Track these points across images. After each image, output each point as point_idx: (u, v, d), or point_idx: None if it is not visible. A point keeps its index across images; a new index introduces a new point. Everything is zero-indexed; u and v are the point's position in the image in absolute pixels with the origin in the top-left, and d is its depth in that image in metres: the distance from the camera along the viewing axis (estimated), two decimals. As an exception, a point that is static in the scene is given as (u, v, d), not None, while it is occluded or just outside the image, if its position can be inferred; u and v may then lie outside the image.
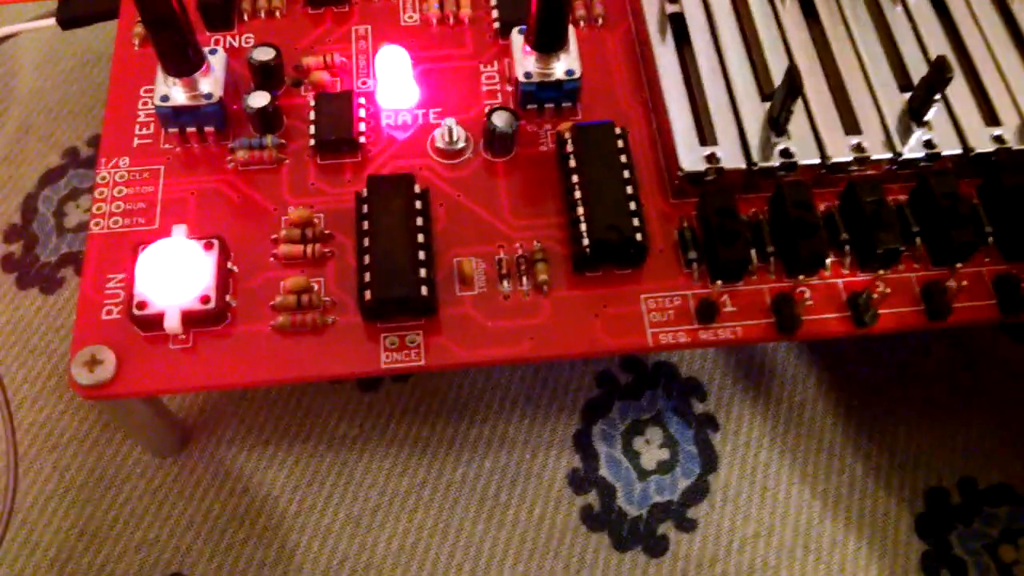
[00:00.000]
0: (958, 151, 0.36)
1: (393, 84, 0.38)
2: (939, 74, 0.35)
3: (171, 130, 0.38)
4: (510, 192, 0.37)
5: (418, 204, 0.35)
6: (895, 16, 0.40)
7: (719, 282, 0.34)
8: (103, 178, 0.37)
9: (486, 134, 0.37)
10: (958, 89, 0.37)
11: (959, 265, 0.35)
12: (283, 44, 0.40)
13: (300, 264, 0.35)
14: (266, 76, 0.38)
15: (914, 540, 0.39)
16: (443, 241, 0.36)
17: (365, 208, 0.34)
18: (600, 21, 0.41)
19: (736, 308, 0.35)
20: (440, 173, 0.37)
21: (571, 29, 0.38)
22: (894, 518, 0.39)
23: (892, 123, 0.37)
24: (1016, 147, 0.36)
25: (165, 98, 0.37)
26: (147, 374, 0.33)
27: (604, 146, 0.36)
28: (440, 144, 0.38)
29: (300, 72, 0.39)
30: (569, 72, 0.37)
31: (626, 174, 0.35)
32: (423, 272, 0.33)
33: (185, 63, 0.36)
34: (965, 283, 0.35)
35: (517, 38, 0.38)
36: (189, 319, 0.34)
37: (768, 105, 0.37)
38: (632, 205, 0.35)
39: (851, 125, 0.37)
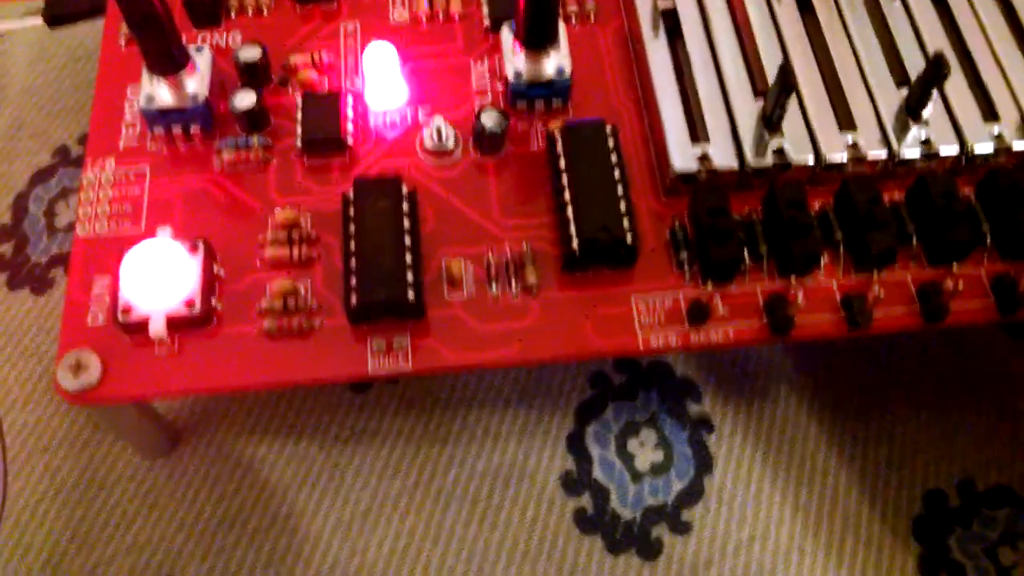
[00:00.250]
0: (955, 149, 0.36)
1: (381, 82, 0.38)
2: (936, 71, 0.34)
3: (157, 130, 0.37)
4: (500, 192, 0.37)
5: (405, 206, 0.34)
6: (892, 9, 0.39)
7: (710, 284, 0.34)
8: (89, 180, 0.37)
9: (475, 133, 0.37)
10: (956, 85, 0.37)
11: (956, 265, 0.35)
12: (270, 41, 0.39)
13: (287, 266, 0.35)
14: (252, 75, 0.38)
15: (912, 543, 0.38)
16: (431, 242, 0.35)
17: (351, 211, 0.34)
18: (592, 17, 0.40)
19: (728, 309, 0.34)
20: (429, 173, 0.37)
21: (562, 25, 0.37)
22: (891, 521, 0.39)
23: (888, 120, 0.36)
24: (1015, 145, 0.36)
25: (150, 99, 0.36)
26: (133, 379, 0.33)
27: (594, 145, 0.35)
28: (429, 143, 0.37)
29: (287, 70, 0.39)
30: (559, 70, 0.37)
31: (617, 173, 0.35)
32: (410, 276, 0.33)
33: (170, 62, 0.36)
34: (961, 286, 0.34)
35: (507, 35, 0.37)
36: (174, 323, 0.33)
37: (762, 102, 0.36)
38: (622, 205, 0.34)
39: (846, 122, 0.36)
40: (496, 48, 0.39)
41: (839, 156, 0.35)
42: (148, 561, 0.38)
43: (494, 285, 0.35)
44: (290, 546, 0.38)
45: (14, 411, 0.41)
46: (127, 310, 0.33)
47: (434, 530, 0.38)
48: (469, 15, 0.40)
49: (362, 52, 0.39)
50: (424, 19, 0.40)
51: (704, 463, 0.40)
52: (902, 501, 0.39)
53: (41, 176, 0.47)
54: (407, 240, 0.34)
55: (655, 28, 0.38)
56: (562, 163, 0.35)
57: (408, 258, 0.33)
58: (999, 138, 0.36)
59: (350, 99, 0.38)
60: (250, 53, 0.38)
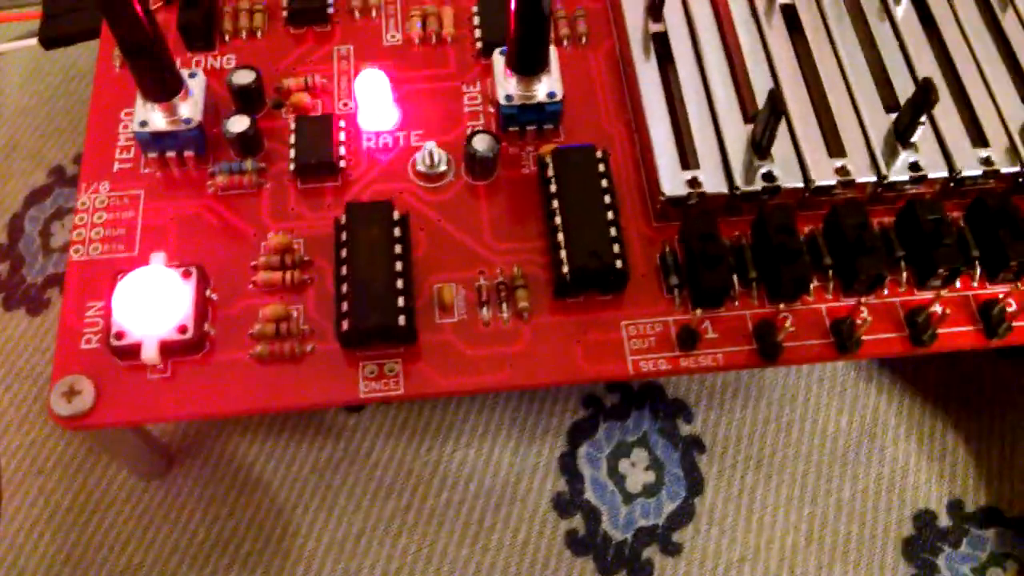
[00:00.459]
0: (944, 173, 0.36)
1: (373, 107, 0.38)
2: (924, 96, 0.34)
3: (151, 155, 0.37)
4: (492, 216, 0.37)
5: (397, 231, 0.35)
6: (882, 33, 0.39)
7: (699, 310, 0.34)
8: (83, 204, 0.37)
9: (467, 158, 0.37)
10: (945, 109, 0.37)
11: (944, 290, 0.35)
12: (264, 65, 0.40)
13: (279, 291, 0.35)
14: (246, 99, 0.38)
15: (901, 564, 0.39)
16: (423, 267, 0.36)
17: (343, 235, 0.34)
18: (584, 40, 0.40)
19: (718, 334, 0.34)
20: (421, 197, 0.37)
21: (553, 50, 0.38)
22: (881, 541, 0.39)
23: (877, 145, 0.36)
24: (1004, 169, 0.36)
25: (144, 123, 0.36)
26: (126, 404, 0.33)
27: (585, 170, 0.36)
28: (421, 167, 0.37)
29: (281, 94, 0.39)
30: (551, 94, 0.37)
31: (607, 199, 0.35)
32: (401, 301, 0.33)
33: (163, 88, 0.36)
34: (948, 311, 0.34)
35: (498, 60, 0.38)
36: (167, 349, 0.33)
37: (751, 127, 0.37)
38: (613, 231, 0.34)
39: (836, 147, 0.36)
40: (488, 71, 0.39)
41: (828, 181, 0.35)
42: (142, 583, 0.38)
43: (485, 310, 0.35)
44: (283, 568, 0.38)
45: (9, 433, 0.41)
46: (120, 335, 0.33)
47: (426, 552, 0.38)
48: (461, 38, 0.41)
49: (355, 75, 0.40)
50: (417, 41, 0.41)
51: (695, 484, 0.40)
52: (892, 522, 0.39)
53: (36, 196, 0.47)
54: (398, 265, 0.34)
55: (646, 52, 0.39)
56: (553, 188, 0.35)
57: (399, 283, 0.34)
58: (988, 162, 0.36)
59: (343, 123, 0.38)
60: (243, 77, 0.38)
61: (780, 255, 0.34)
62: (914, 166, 0.36)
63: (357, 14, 0.41)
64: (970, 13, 0.40)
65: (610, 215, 0.35)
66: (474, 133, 0.37)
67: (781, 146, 0.36)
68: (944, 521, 0.39)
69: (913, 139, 0.36)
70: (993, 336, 0.35)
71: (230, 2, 0.41)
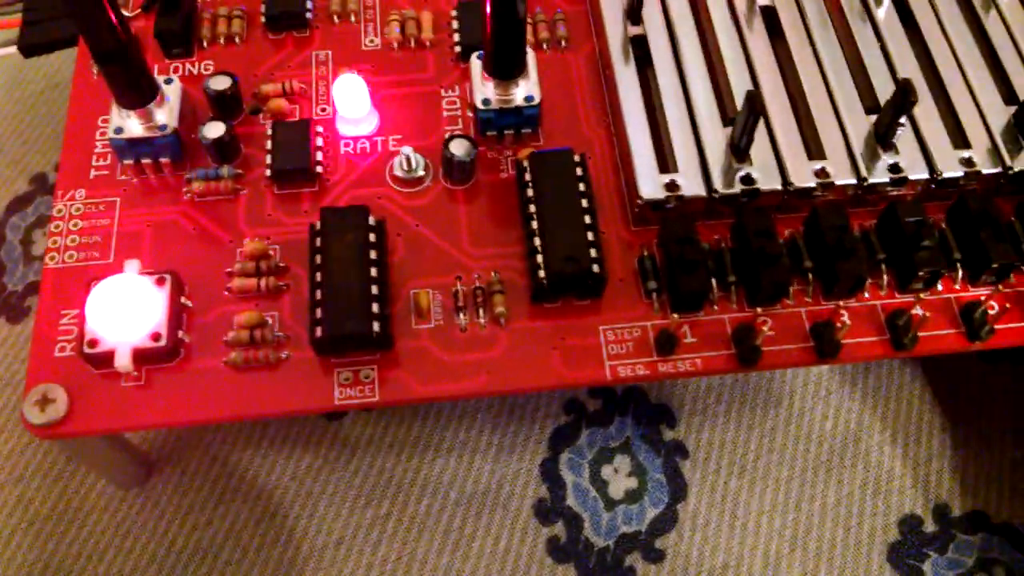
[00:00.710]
0: (925, 175, 0.35)
1: (351, 112, 0.38)
2: (904, 98, 0.34)
3: (127, 161, 0.37)
4: (470, 220, 0.37)
5: (373, 236, 0.34)
6: (863, 34, 0.39)
7: (676, 315, 0.34)
8: (59, 211, 0.37)
9: (445, 162, 0.37)
10: (926, 110, 0.37)
11: (926, 293, 0.35)
12: (242, 70, 0.39)
13: (254, 298, 0.35)
14: (223, 105, 0.38)
15: (887, 570, 0.38)
16: (400, 272, 0.35)
17: (318, 241, 0.34)
18: (564, 43, 0.40)
19: (697, 339, 0.34)
20: (398, 202, 0.37)
21: (531, 53, 0.37)
22: (866, 547, 0.38)
23: (857, 147, 0.36)
24: (985, 170, 0.35)
25: (119, 130, 0.36)
26: (100, 412, 0.33)
27: (562, 174, 0.35)
28: (398, 172, 0.37)
29: (258, 99, 0.39)
30: (528, 98, 0.37)
31: (584, 203, 0.35)
32: (376, 308, 0.33)
33: (138, 95, 0.36)
34: (929, 314, 0.34)
35: (476, 63, 0.37)
36: (141, 356, 0.33)
37: (730, 130, 0.36)
38: (590, 235, 0.34)
39: (815, 149, 0.36)
40: (467, 75, 0.39)
41: (807, 183, 0.35)
42: (121, 592, 0.38)
43: (462, 315, 0.35)
44: (263, 576, 0.38)
45: (-12, 441, 0.41)
46: (94, 343, 0.33)
47: (406, 560, 0.38)
48: (440, 42, 0.40)
49: (334, 80, 0.40)
50: (396, 45, 0.40)
51: (678, 490, 0.40)
52: (877, 527, 0.39)
53: (18, 204, 0.47)
54: (374, 271, 0.33)
55: (625, 55, 0.38)
56: (530, 193, 0.35)
57: (374, 289, 0.33)
58: (969, 163, 0.36)
59: (320, 128, 0.38)
60: (220, 83, 0.38)
61: (759, 259, 0.34)
62: (894, 168, 0.35)
63: (336, 19, 0.41)
64: (952, 13, 0.40)
65: (588, 219, 0.34)
66: (451, 137, 0.37)
67: (760, 149, 0.36)
68: (930, 526, 0.39)
69: (893, 140, 0.36)
70: (975, 339, 0.34)
71: (208, 8, 0.41)
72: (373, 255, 0.34)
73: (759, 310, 0.34)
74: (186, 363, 0.34)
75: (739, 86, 0.37)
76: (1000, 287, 0.35)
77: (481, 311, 0.35)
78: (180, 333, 0.34)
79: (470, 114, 0.38)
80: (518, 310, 0.35)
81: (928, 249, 0.34)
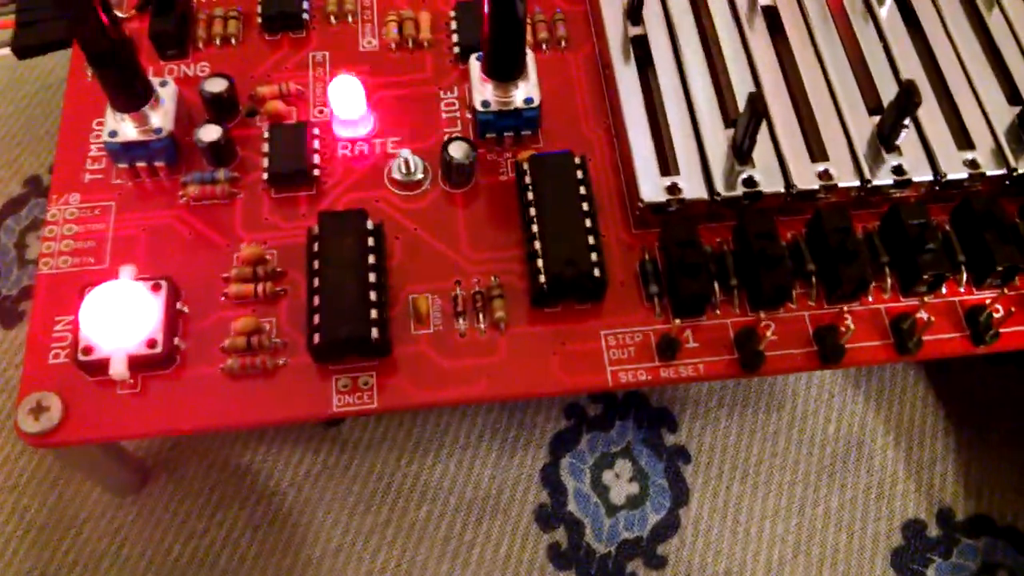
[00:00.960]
0: (929, 177, 0.35)
1: (347, 113, 0.37)
2: (907, 99, 0.34)
3: (121, 165, 0.37)
4: (469, 224, 0.36)
5: (371, 241, 0.34)
6: (866, 34, 0.38)
7: (678, 320, 0.33)
8: (53, 216, 0.36)
9: (443, 165, 0.36)
10: (930, 111, 0.36)
11: (930, 296, 0.34)
12: (238, 72, 0.39)
13: (251, 303, 0.34)
14: (219, 107, 0.38)
15: (890, 575, 0.38)
16: (399, 276, 0.35)
17: (316, 246, 0.34)
18: (563, 44, 0.40)
19: (699, 344, 0.34)
20: (397, 205, 0.36)
21: (530, 54, 0.37)
22: (869, 552, 0.38)
23: (860, 148, 0.35)
24: (989, 172, 0.35)
25: (114, 133, 0.36)
26: (94, 421, 0.33)
27: (562, 177, 0.35)
28: (397, 175, 0.37)
29: (255, 101, 0.39)
30: (528, 100, 0.36)
31: (585, 206, 0.34)
32: (375, 313, 0.32)
33: (132, 98, 0.35)
34: (934, 318, 0.34)
35: (475, 65, 0.37)
36: (137, 363, 0.33)
37: (732, 131, 0.36)
38: (591, 239, 0.34)
39: (818, 151, 0.36)
40: (466, 77, 0.39)
41: (810, 185, 0.35)
42: (117, 600, 0.38)
43: (461, 320, 0.34)
44: (261, 584, 0.38)
45: (-18, 448, 0.40)
46: (88, 350, 0.32)
47: (406, 567, 0.38)
48: (438, 43, 0.40)
49: (331, 81, 0.39)
50: (394, 46, 0.40)
51: (680, 495, 0.39)
52: (880, 532, 0.38)
53: (12, 206, 0.46)
54: (372, 276, 0.33)
55: (625, 55, 0.38)
56: (530, 196, 0.35)
57: (373, 295, 0.33)
58: (973, 164, 0.35)
59: (317, 131, 0.37)
60: (216, 86, 0.37)
61: (761, 262, 0.33)
62: (898, 169, 0.35)
63: (333, 20, 0.41)
64: (955, 12, 0.39)
65: (588, 222, 0.34)
66: (450, 140, 0.36)
67: (762, 151, 0.35)
68: (934, 531, 0.39)
69: (897, 142, 0.35)
70: (980, 343, 0.34)
71: (204, 9, 0.41)
72: (371, 260, 0.33)
73: (762, 314, 0.34)
74: (182, 370, 0.33)
75: (741, 87, 0.37)
76: (1005, 290, 0.34)
77: (480, 316, 0.34)
78: (176, 340, 0.33)
79: (469, 116, 0.38)
80: (518, 315, 0.34)
81: (932, 252, 0.34)
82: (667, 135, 0.36)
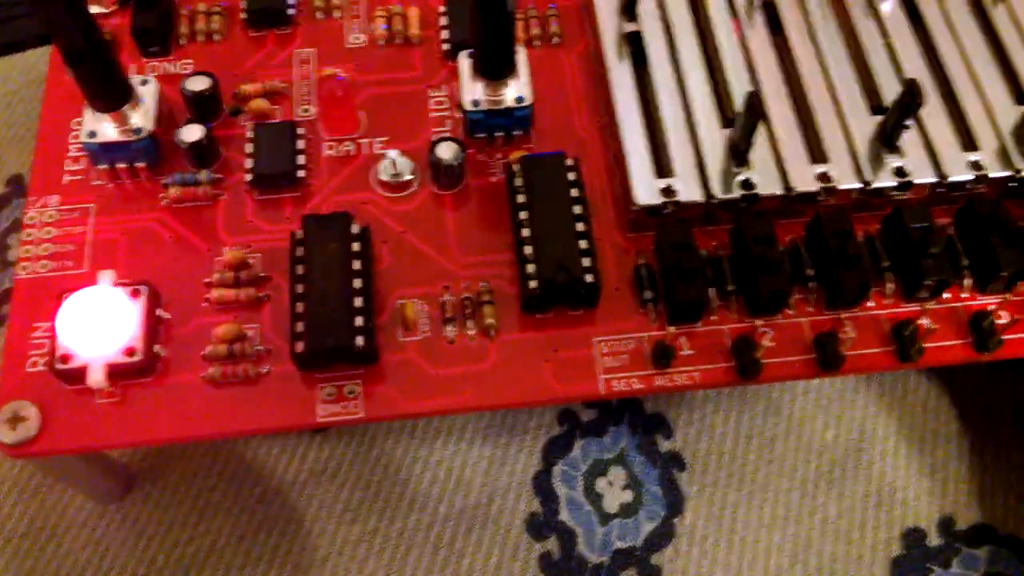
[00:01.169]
0: (932, 178, 0.34)
1: (334, 112, 0.36)
2: (911, 99, 0.33)
3: (101, 166, 0.36)
4: (458, 226, 0.35)
5: (357, 245, 0.33)
6: (867, 30, 0.37)
7: (673, 328, 0.33)
8: (31, 218, 0.35)
9: (432, 166, 0.35)
10: (933, 111, 0.35)
11: (932, 301, 0.33)
12: (222, 69, 0.38)
13: (234, 309, 0.34)
14: (201, 106, 0.36)
15: (890, 584, 0.37)
16: (386, 281, 0.34)
17: (299, 251, 0.33)
18: (556, 40, 0.39)
19: (694, 351, 0.33)
20: (384, 207, 0.35)
21: (522, 51, 0.36)
22: (868, 562, 0.37)
23: (862, 149, 0.34)
24: (994, 174, 0.34)
25: (93, 134, 0.35)
26: (73, 430, 0.32)
27: (554, 179, 0.34)
28: (384, 176, 0.36)
29: (238, 100, 0.37)
30: (519, 99, 0.35)
31: (577, 209, 0.33)
32: (360, 321, 0.31)
33: (110, 97, 0.34)
34: (936, 325, 0.33)
35: (464, 62, 0.36)
36: (116, 372, 0.32)
37: (730, 131, 0.35)
38: (583, 243, 0.33)
39: (818, 152, 0.35)
40: (455, 74, 0.38)
41: (809, 187, 0.34)
42: (100, 610, 0.37)
43: (450, 327, 0.33)
44: (246, 594, 0.37)
45: (-38, 454, 0.40)
46: (66, 358, 0.32)
47: (395, 577, 0.37)
48: (428, 39, 0.39)
49: (317, 79, 0.38)
50: (382, 43, 0.39)
51: (675, 503, 0.38)
52: (880, 541, 0.38)
53: (-6, 206, 0.45)
54: (358, 282, 0.32)
55: (619, 53, 0.37)
56: (521, 198, 0.34)
57: (358, 301, 0.32)
58: (977, 166, 0.34)
59: (302, 130, 0.36)
60: (198, 84, 0.36)
61: (758, 266, 0.32)
62: (900, 171, 0.34)
63: (319, 15, 0.40)
64: (959, 6, 0.38)
65: (581, 226, 0.33)
66: (439, 140, 0.35)
67: (760, 152, 0.34)
68: (934, 539, 0.38)
69: (899, 143, 0.34)
70: (984, 350, 0.33)
71: (187, 4, 0.40)
72: (357, 265, 0.32)
73: (759, 321, 0.33)
74: (163, 378, 0.32)
75: (738, 85, 0.36)
76: (1009, 296, 0.33)
77: (470, 322, 0.33)
78: (156, 347, 0.32)
79: (459, 115, 0.37)
80: (508, 321, 0.33)
81: (935, 256, 0.33)
82: (662, 135, 0.35)
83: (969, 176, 0.34)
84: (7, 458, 0.39)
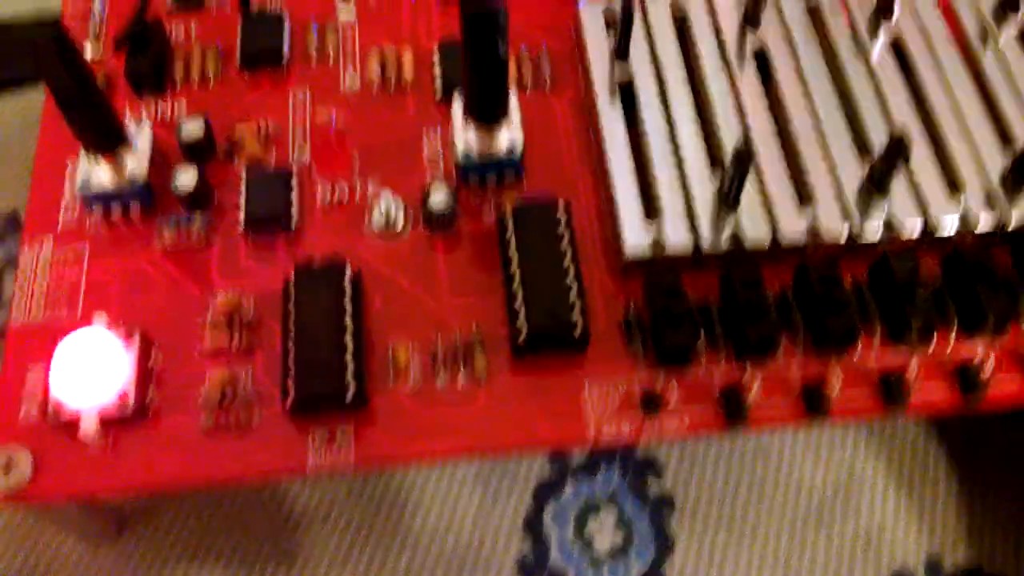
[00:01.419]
0: (919, 225, 0.34)
1: (328, 155, 0.37)
2: (898, 150, 0.33)
3: (96, 209, 0.36)
4: (450, 270, 0.35)
5: (348, 292, 0.33)
6: (857, 74, 0.38)
7: (662, 371, 0.33)
8: (26, 261, 0.35)
9: (424, 211, 0.36)
10: (921, 158, 0.35)
11: (919, 348, 0.34)
12: (217, 111, 0.38)
13: (227, 354, 0.34)
14: (196, 150, 0.37)
15: (879, 626, 0.37)
16: (378, 325, 0.34)
17: (291, 300, 0.33)
18: (548, 85, 0.39)
19: (683, 396, 0.33)
20: (377, 251, 0.36)
21: (515, 95, 0.36)
22: (857, 604, 0.38)
23: (850, 196, 0.35)
24: (982, 220, 0.34)
25: (87, 179, 0.35)
26: (66, 477, 0.32)
27: (545, 228, 0.34)
28: (377, 220, 0.36)
29: (233, 142, 0.38)
30: (511, 144, 0.36)
31: (568, 258, 0.34)
32: (351, 369, 0.32)
33: (104, 141, 0.35)
34: (922, 373, 0.33)
35: (457, 106, 0.36)
36: (108, 419, 0.32)
37: (719, 177, 0.35)
38: (573, 293, 0.33)
39: (806, 199, 0.35)
40: (449, 117, 0.38)
41: (797, 234, 0.34)
42: (92, 651, 0.37)
43: (442, 372, 0.33)
44: (238, 635, 0.37)
45: (-44, 493, 0.40)
46: (58, 408, 0.32)
47: (386, 619, 0.37)
48: (422, 82, 0.39)
49: (312, 121, 0.38)
50: (376, 85, 0.39)
51: (665, 544, 0.38)
52: (869, 583, 0.38)
53: (-11, 243, 0.45)
54: (348, 332, 0.32)
55: (611, 98, 0.37)
56: (511, 248, 0.34)
57: (349, 351, 0.32)
58: (965, 213, 0.35)
59: (296, 173, 0.37)
60: (192, 130, 0.36)
61: (746, 313, 0.33)
62: (887, 219, 0.34)
63: (314, 57, 0.40)
64: (948, 51, 0.38)
65: (571, 276, 0.33)
66: (431, 185, 0.35)
67: (749, 198, 0.34)
68: (923, 581, 0.38)
69: (887, 190, 0.35)
70: (971, 396, 0.33)
71: (182, 46, 0.40)
72: (348, 315, 0.33)
73: (747, 366, 0.33)
74: (155, 425, 0.33)
75: (728, 131, 0.36)
76: (997, 343, 0.34)
77: (461, 367, 0.33)
78: (148, 394, 0.33)
79: (452, 157, 0.37)
80: (499, 365, 0.34)
81: (922, 302, 0.33)
82: (652, 182, 0.35)
83: (956, 224, 0.34)
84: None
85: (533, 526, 0.39)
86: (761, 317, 0.33)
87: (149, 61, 0.39)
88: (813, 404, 0.33)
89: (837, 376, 0.33)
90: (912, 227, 0.34)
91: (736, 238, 0.34)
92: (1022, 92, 0.37)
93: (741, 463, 0.40)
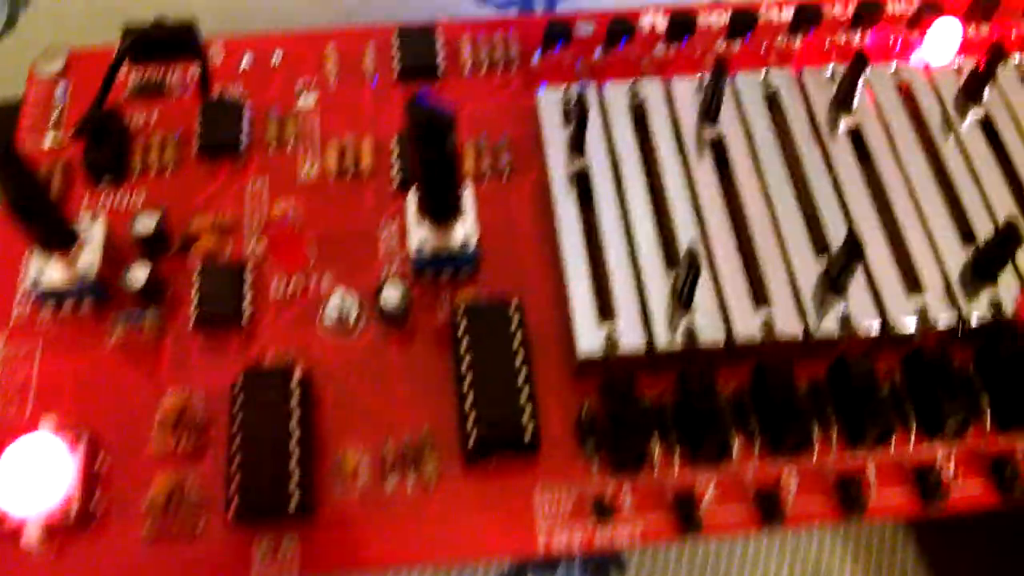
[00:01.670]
0: (876, 325, 0.34)
1: (283, 249, 0.36)
2: (852, 251, 0.33)
3: (48, 305, 0.36)
4: (403, 369, 0.35)
5: (297, 396, 0.33)
6: (813, 164, 0.37)
7: (615, 476, 0.32)
8: (-25, 360, 0.35)
9: (378, 307, 0.35)
10: (879, 254, 0.35)
11: (877, 451, 0.33)
12: (175, 201, 0.38)
13: (174, 457, 0.33)
14: (149, 244, 0.36)
15: None
16: (327, 427, 0.34)
17: (237, 406, 0.32)
18: (506, 176, 0.39)
19: (636, 503, 0.32)
20: (329, 349, 0.35)
21: (469, 189, 0.36)
22: None
23: (807, 295, 0.34)
24: (941, 319, 0.34)
25: (37, 281, 0.35)
26: (7, 586, 0.32)
27: (497, 328, 0.34)
28: (330, 316, 0.36)
29: (188, 236, 0.37)
30: (464, 242, 0.35)
31: (519, 359, 0.33)
32: (295, 477, 0.31)
33: (54, 243, 0.34)
34: (878, 477, 0.32)
35: (411, 201, 0.36)
36: (52, 526, 0.32)
37: (674, 275, 0.35)
38: (524, 395, 0.32)
39: (762, 297, 0.34)
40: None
41: (752, 334, 0.34)
42: None
43: (391, 477, 0.33)
44: None
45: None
46: (2, 518, 0.31)
47: None
48: (380, 172, 0.39)
49: (269, 212, 0.38)
50: (333, 176, 0.39)
51: (627, 641, 0.38)
52: None
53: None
54: (295, 436, 0.32)
55: (567, 191, 0.37)
56: (463, 347, 0.34)
57: (296, 453, 0.32)
58: (924, 312, 0.34)
59: (250, 268, 0.36)
60: (145, 226, 0.36)
61: (701, 421, 0.32)
62: (845, 317, 0.34)
63: (273, 144, 0.40)
64: (908, 139, 0.38)
65: (522, 377, 0.33)
66: (384, 282, 0.35)
67: (704, 296, 0.34)
68: None
69: (845, 289, 0.34)
70: (930, 501, 0.33)
71: (141, 136, 0.40)
72: (295, 419, 0.32)
73: (702, 470, 0.33)
74: (100, 532, 0.32)
75: (685, 228, 0.35)
76: (957, 445, 0.33)
77: (411, 471, 0.33)
78: (94, 498, 0.32)
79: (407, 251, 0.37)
80: (450, 471, 0.33)
81: (879, 404, 0.33)
82: (608, 276, 0.35)
83: (914, 323, 0.34)
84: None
85: (491, 624, 0.38)
86: (715, 422, 0.32)
87: (107, 151, 0.39)
88: (769, 511, 0.32)
89: (793, 480, 0.33)
90: (869, 327, 0.34)
91: (691, 337, 0.34)
92: (983, 183, 0.37)
93: (705, 559, 0.39)
